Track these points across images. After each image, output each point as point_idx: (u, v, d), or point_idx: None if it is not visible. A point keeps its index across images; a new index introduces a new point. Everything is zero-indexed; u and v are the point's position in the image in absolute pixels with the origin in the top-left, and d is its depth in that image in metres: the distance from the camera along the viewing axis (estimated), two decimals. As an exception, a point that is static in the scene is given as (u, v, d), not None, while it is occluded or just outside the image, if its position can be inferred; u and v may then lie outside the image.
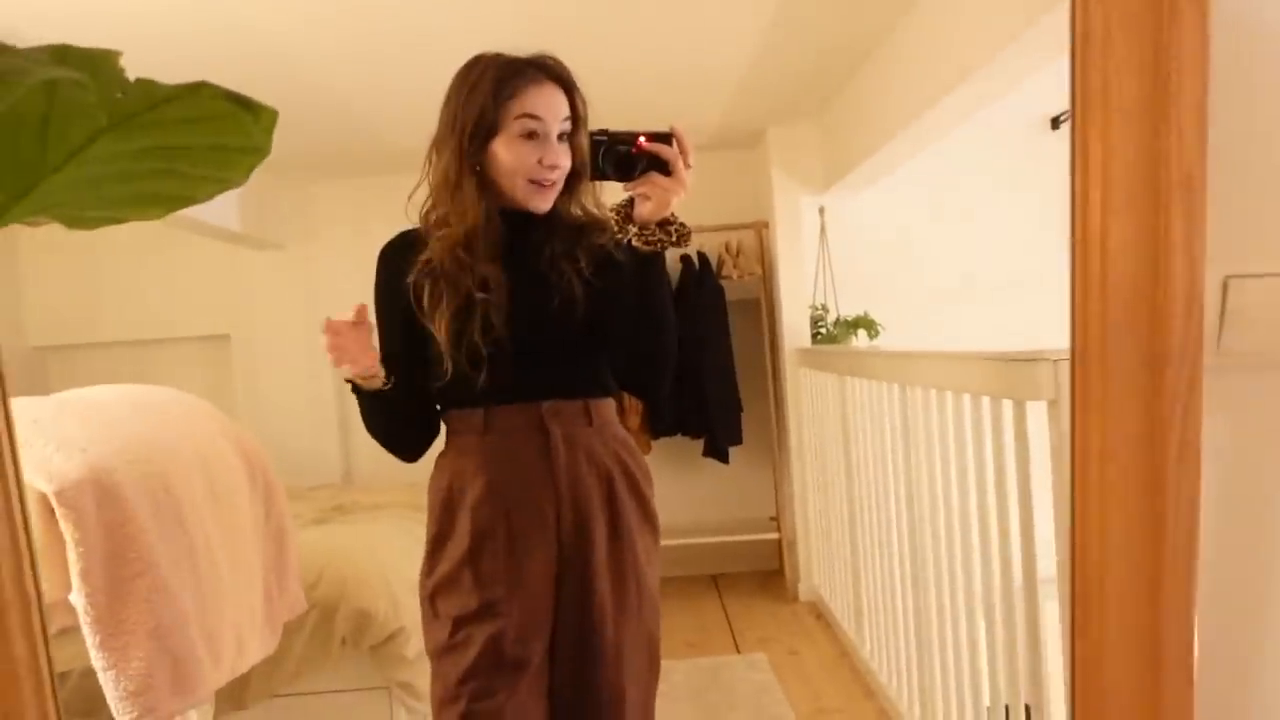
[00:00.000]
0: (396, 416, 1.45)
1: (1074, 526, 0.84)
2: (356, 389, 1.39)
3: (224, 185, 0.68)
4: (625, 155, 1.33)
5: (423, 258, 1.40)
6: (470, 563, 1.39)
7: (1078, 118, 0.81)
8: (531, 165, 1.37)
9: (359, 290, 1.45)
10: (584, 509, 1.41)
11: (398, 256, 1.44)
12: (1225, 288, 0.86)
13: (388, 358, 1.40)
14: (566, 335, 1.43)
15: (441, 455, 1.49)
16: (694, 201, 1.39)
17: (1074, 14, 0.79)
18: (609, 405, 1.50)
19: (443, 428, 1.50)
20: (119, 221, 0.71)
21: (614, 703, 1.42)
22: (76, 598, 1.42)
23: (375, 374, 1.37)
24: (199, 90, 0.58)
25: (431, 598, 1.43)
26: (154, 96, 0.57)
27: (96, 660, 1.43)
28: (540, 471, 1.40)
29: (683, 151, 1.33)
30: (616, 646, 1.42)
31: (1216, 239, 0.82)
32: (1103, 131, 0.79)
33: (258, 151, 0.64)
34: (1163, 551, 0.80)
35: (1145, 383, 0.80)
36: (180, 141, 0.62)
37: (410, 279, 1.40)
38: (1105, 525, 0.82)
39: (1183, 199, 0.78)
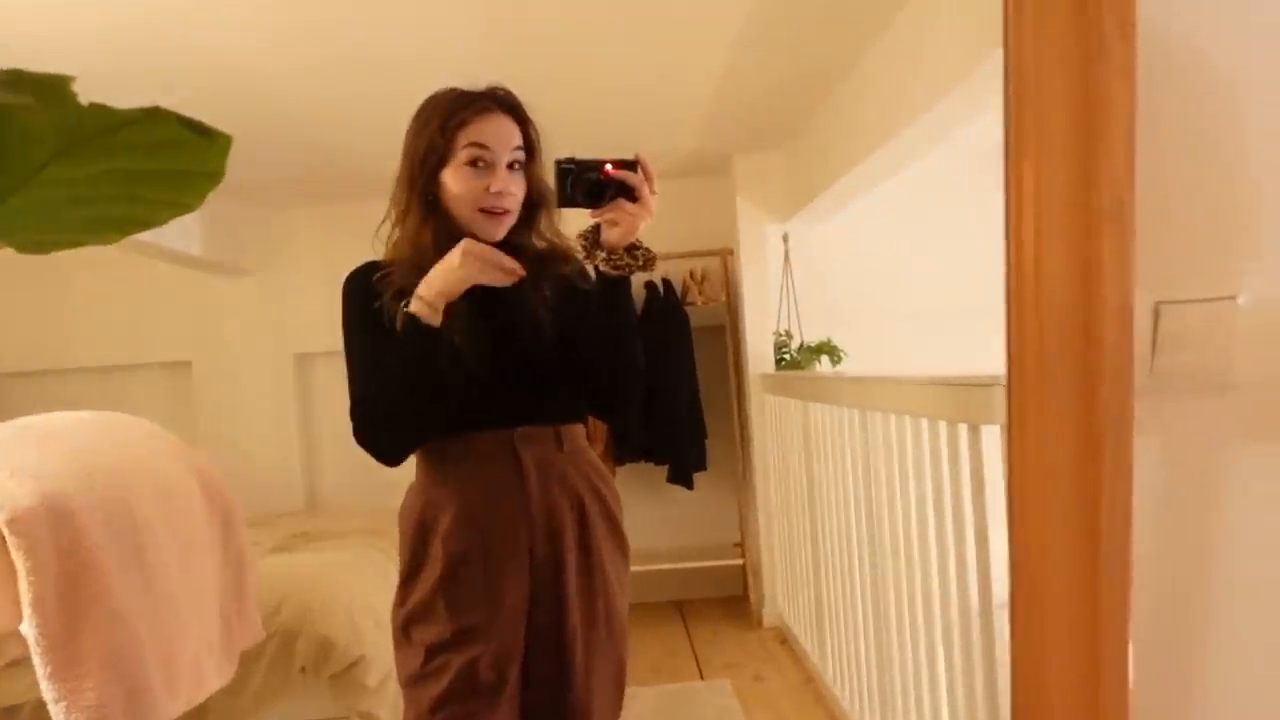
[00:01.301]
0: (428, 371, 1.33)
1: (1013, 544, 0.86)
2: (413, 321, 1.31)
3: (179, 210, 0.69)
4: (594, 182, 1.35)
5: (388, 284, 1.39)
6: (444, 590, 1.39)
7: (1011, 150, 0.84)
8: (479, 193, 1.39)
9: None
10: (557, 533, 1.42)
11: (364, 283, 1.42)
12: (1157, 313, 0.89)
13: (374, 366, 1.37)
14: (535, 362, 1.44)
15: (413, 485, 1.49)
16: (659, 228, 1.42)
17: (1007, 51, 0.83)
18: (579, 431, 1.51)
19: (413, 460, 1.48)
20: (75, 246, 0.71)
21: None
22: (27, 628, 1.40)
23: (447, 296, 1.32)
24: (154, 115, 0.58)
25: (405, 626, 1.42)
26: (109, 121, 0.58)
27: (47, 692, 1.40)
28: (513, 497, 1.41)
29: (648, 178, 1.36)
30: (586, 669, 1.43)
31: (1149, 266, 0.85)
32: (1035, 162, 0.82)
33: (213, 176, 0.65)
34: (1097, 568, 0.82)
35: (1079, 403, 0.83)
36: (136, 166, 0.63)
37: (378, 305, 1.37)
38: (1044, 542, 0.84)
39: (1112, 226, 0.81)
